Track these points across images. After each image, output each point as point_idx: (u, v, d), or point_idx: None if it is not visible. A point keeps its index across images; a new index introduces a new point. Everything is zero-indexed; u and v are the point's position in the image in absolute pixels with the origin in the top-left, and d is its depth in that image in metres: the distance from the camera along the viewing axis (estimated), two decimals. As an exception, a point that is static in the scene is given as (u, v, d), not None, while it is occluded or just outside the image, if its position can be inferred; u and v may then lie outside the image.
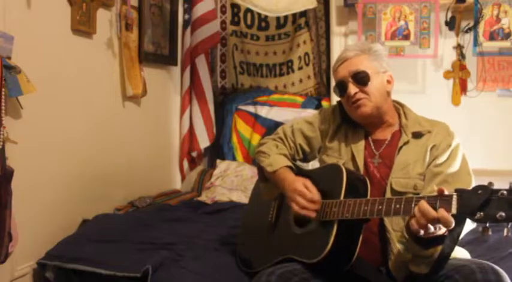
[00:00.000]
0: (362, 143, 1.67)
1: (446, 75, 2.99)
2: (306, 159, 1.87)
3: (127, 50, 2.74)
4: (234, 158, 3.37)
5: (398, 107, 1.73)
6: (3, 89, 1.78)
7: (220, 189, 3.03)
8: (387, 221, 1.54)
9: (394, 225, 1.53)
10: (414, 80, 3.06)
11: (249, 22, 3.57)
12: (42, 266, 2.00)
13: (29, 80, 1.91)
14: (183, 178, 3.45)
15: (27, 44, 2.01)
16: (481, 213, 1.12)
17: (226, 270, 1.82)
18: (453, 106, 2.99)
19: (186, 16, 3.38)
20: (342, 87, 1.65)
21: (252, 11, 3.47)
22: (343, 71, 1.65)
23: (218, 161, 3.35)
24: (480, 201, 1.12)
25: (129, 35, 2.76)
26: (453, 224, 1.21)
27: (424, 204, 1.26)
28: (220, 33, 3.51)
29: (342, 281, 1.50)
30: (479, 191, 1.14)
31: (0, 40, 1.81)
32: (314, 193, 1.54)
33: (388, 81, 1.69)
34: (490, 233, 1.14)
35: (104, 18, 2.56)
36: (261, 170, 1.80)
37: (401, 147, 1.62)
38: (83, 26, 2.37)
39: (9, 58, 1.85)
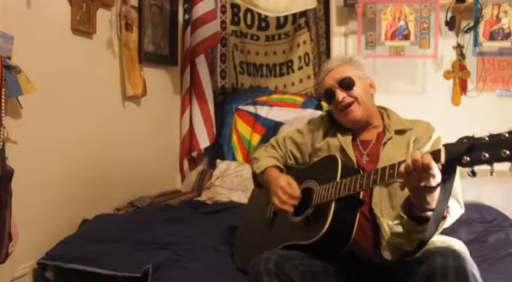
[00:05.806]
0: (350, 144, 1.77)
1: (446, 75, 2.99)
2: (298, 164, 1.93)
3: (127, 50, 2.74)
4: (234, 158, 3.37)
5: (382, 111, 1.86)
6: (3, 89, 1.78)
7: (220, 189, 3.03)
8: (375, 207, 1.60)
9: (384, 213, 1.59)
10: (414, 80, 3.06)
11: (249, 22, 3.57)
12: (42, 266, 2.00)
13: (29, 80, 1.91)
14: (183, 178, 3.45)
15: (27, 44, 2.01)
16: (467, 158, 1.21)
17: (226, 270, 1.82)
18: (453, 106, 2.99)
19: (186, 16, 3.38)
20: (330, 95, 1.78)
21: (252, 11, 3.47)
22: (330, 80, 1.80)
23: (218, 161, 3.34)
24: (465, 147, 1.21)
25: (129, 35, 2.76)
26: (433, 167, 1.27)
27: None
28: (220, 33, 3.51)
29: (341, 262, 1.52)
30: (465, 140, 1.24)
31: (0, 40, 1.81)
32: (295, 188, 1.65)
33: (371, 85, 1.84)
34: (475, 176, 1.22)
35: (104, 18, 2.56)
36: (255, 176, 1.91)
37: (385, 143, 1.72)
38: (83, 26, 2.37)
39: (9, 58, 1.85)
